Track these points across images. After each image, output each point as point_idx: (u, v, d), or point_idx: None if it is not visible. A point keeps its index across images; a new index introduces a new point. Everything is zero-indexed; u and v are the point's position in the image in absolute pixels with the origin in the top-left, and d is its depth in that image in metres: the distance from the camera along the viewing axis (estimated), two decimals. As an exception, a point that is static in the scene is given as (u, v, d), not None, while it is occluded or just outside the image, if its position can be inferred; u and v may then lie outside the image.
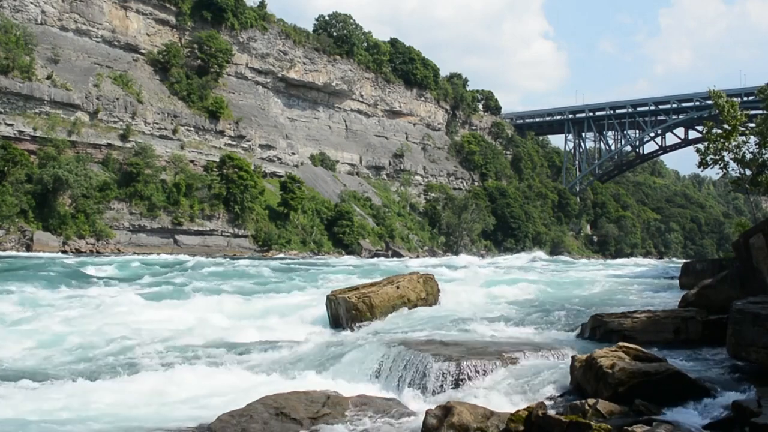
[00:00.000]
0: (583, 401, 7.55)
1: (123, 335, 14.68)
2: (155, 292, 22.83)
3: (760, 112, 45.42)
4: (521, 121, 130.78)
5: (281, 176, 79.47)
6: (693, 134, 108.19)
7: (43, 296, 20.95)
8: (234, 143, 77.18)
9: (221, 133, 75.83)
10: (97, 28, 69.57)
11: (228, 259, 49.12)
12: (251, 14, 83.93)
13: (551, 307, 17.94)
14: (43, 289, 22.70)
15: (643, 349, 8.91)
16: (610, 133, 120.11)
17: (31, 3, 64.08)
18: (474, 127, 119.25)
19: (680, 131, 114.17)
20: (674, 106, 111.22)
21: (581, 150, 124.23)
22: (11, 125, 56.68)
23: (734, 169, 27.69)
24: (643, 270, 45.66)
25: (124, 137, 65.07)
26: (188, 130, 72.49)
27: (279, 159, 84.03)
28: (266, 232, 71.19)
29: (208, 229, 67.21)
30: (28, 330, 15.59)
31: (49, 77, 60.74)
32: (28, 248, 51.09)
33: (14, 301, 19.50)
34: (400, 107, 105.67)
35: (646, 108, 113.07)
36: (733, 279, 13.48)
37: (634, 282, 28.82)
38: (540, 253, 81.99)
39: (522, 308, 17.90)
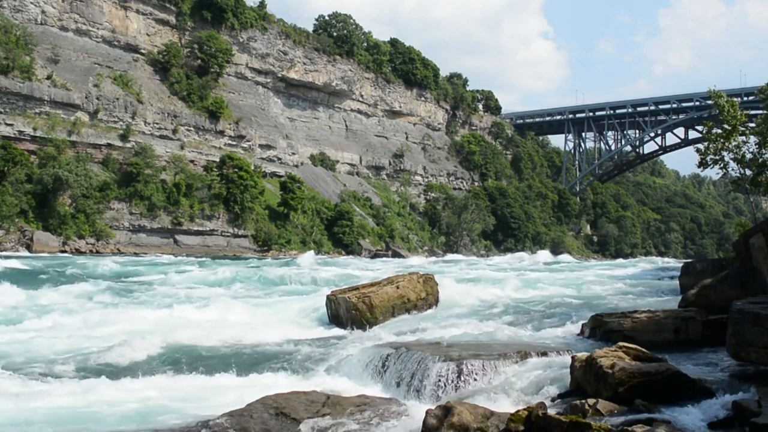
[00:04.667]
0: (583, 401, 7.56)
1: (120, 336, 14.65)
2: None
3: (760, 112, 45.47)
4: (521, 121, 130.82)
5: (281, 176, 79.49)
6: (693, 134, 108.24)
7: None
8: (234, 143, 77.19)
9: (221, 133, 75.85)
10: (97, 28, 69.58)
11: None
12: (251, 14, 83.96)
13: (551, 307, 17.94)
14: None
15: (643, 349, 8.91)
16: (610, 133, 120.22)
17: (31, 3, 64.08)
18: (474, 127, 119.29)
19: (680, 131, 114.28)
20: (674, 106, 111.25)
21: (581, 150, 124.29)
22: (11, 125, 56.67)
23: (734, 169, 27.69)
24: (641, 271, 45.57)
25: (124, 137, 65.08)
26: (188, 130, 72.51)
27: (279, 159, 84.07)
28: (266, 232, 71.19)
29: (208, 229, 67.23)
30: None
31: (49, 77, 60.74)
32: (28, 248, 51.08)
33: None
34: (400, 107, 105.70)
35: (646, 108, 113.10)
36: (733, 279, 13.47)
37: (633, 282, 28.80)
38: (544, 254, 75.10)
39: (522, 308, 17.89)
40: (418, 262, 52.80)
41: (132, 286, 25.52)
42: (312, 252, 61.79)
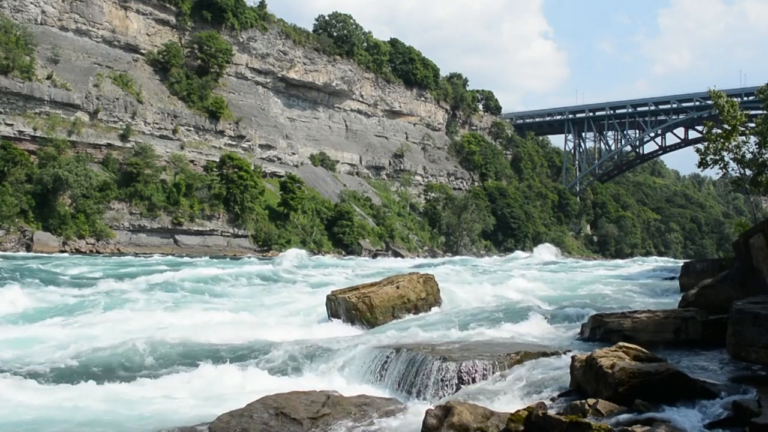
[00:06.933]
0: (583, 401, 7.56)
1: (120, 337, 14.62)
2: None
3: (760, 112, 45.39)
4: (521, 121, 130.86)
5: (281, 176, 79.51)
6: (693, 134, 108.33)
7: None
8: (234, 143, 77.21)
9: (221, 133, 75.86)
10: (97, 28, 69.61)
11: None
12: (251, 14, 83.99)
13: (551, 307, 17.92)
14: None
15: (643, 349, 8.90)
16: (610, 133, 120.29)
17: (31, 3, 64.10)
18: (474, 127, 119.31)
19: (680, 131, 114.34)
20: (674, 106, 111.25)
21: (581, 150, 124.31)
22: (11, 125, 56.71)
23: (734, 169, 27.61)
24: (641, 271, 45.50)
25: (124, 137, 65.10)
26: (188, 130, 72.53)
27: (279, 159, 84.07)
28: (266, 232, 71.20)
29: (208, 229, 67.22)
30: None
31: (49, 77, 60.76)
32: (28, 248, 51.10)
33: None
34: (400, 107, 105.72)
35: (646, 108, 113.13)
36: (733, 279, 13.46)
37: (633, 282, 28.79)
38: (545, 248, 71.38)
39: (522, 308, 17.87)
40: (404, 264, 50.20)
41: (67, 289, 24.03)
42: (295, 250, 55.84)
